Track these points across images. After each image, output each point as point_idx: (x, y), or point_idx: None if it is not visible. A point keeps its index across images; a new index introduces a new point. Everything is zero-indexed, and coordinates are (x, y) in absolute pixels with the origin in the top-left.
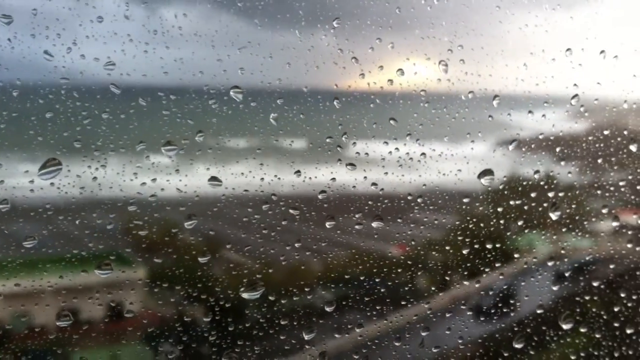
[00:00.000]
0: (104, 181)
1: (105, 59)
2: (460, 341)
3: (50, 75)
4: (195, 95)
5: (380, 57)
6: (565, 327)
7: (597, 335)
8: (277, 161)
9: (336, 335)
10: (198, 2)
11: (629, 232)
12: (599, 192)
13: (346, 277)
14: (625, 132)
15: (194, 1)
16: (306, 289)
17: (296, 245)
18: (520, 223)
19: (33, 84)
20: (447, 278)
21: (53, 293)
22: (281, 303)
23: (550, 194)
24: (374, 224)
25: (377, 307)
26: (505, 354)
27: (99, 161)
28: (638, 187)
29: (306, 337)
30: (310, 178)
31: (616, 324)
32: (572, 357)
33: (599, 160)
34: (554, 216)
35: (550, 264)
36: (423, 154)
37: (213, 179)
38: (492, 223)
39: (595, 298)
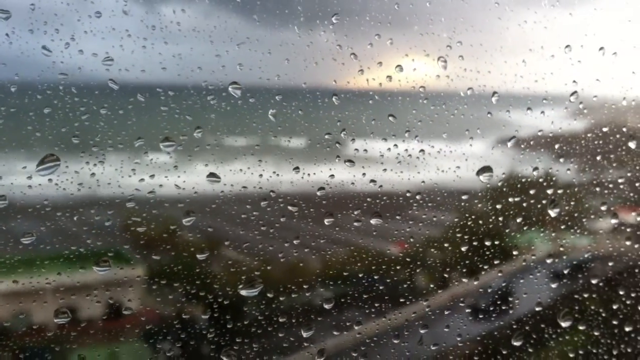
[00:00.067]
0: (102, 177)
1: (104, 54)
2: (459, 339)
3: (48, 70)
4: (194, 91)
5: (379, 54)
6: (564, 324)
7: (596, 333)
8: (275, 158)
9: (335, 333)
10: None
11: (628, 230)
12: (597, 189)
13: (345, 274)
14: (624, 129)
15: None
16: (305, 286)
17: (295, 242)
18: (519, 220)
19: (31, 79)
20: (445, 275)
21: (51, 290)
22: (280, 300)
23: (549, 191)
24: (373, 221)
25: (376, 305)
26: (504, 352)
27: (97, 157)
28: (637, 185)
29: (305, 335)
30: (308, 175)
31: (615, 322)
32: (571, 355)
33: (598, 158)
34: (552, 213)
35: (549, 261)
36: (422, 150)
37: (211, 175)
38: (490, 220)
39: (594, 295)
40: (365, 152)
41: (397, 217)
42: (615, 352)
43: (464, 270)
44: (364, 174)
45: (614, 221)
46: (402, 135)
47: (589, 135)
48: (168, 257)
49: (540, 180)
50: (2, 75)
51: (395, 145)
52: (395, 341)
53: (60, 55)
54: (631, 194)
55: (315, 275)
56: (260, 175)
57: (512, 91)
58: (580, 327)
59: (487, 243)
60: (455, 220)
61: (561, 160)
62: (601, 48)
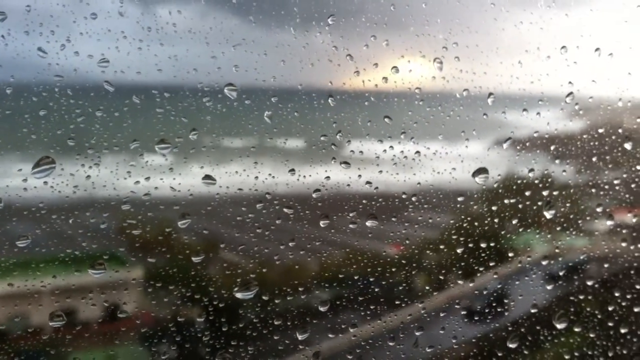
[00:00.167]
0: (98, 180)
1: (99, 56)
2: (454, 341)
3: (43, 72)
4: (190, 93)
5: (375, 55)
6: (559, 326)
7: (592, 335)
8: (271, 160)
9: (330, 336)
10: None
11: (624, 231)
12: (593, 190)
13: (340, 276)
14: (620, 130)
15: None
16: (300, 289)
17: (290, 244)
18: (514, 222)
19: (27, 81)
20: (441, 277)
21: (46, 293)
22: (275, 303)
23: (545, 193)
24: (368, 223)
25: (371, 307)
26: (500, 354)
27: (93, 159)
28: (633, 186)
29: (300, 338)
30: (304, 177)
31: (610, 323)
32: (566, 357)
33: (594, 159)
34: (548, 215)
35: (544, 263)
36: (417, 152)
37: (207, 177)
38: (486, 222)
39: (590, 297)
40: (361, 154)
41: (393, 218)
42: (610, 354)
43: (460, 272)
44: (359, 175)
45: (609, 222)
46: (397, 136)
47: (584, 136)
48: (163, 260)
49: (536, 181)
50: None
51: (391, 146)
52: (391, 343)
53: (55, 57)
54: (627, 195)
55: (311, 278)
56: (256, 177)
57: (508, 92)
58: (576, 329)
59: (483, 245)
60: (451, 222)
61: (557, 161)
62: (597, 49)
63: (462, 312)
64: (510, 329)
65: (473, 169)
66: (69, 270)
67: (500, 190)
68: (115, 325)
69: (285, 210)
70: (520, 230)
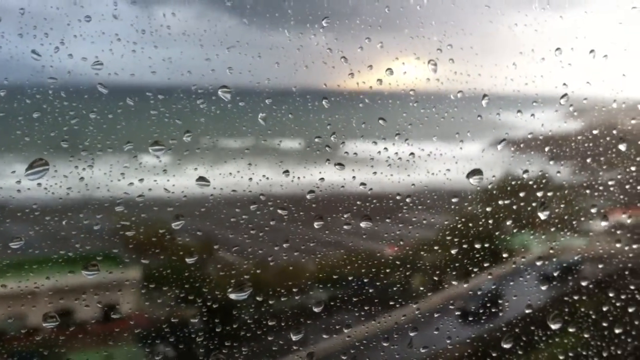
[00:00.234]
0: (92, 181)
1: (93, 58)
2: (448, 341)
3: (37, 74)
4: (184, 95)
5: (369, 57)
6: (553, 327)
7: (586, 335)
8: (265, 161)
9: (324, 336)
10: (187, 2)
11: (618, 232)
12: (588, 191)
13: (334, 277)
14: (615, 132)
15: (183, 1)
16: (294, 290)
17: (284, 245)
18: (509, 223)
19: (20, 83)
20: (435, 278)
21: (39, 294)
22: (269, 304)
23: (539, 194)
24: (363, 224)
25: (366, 308)
26: (494, 354)
27: (87, 161)
28: (627, 187)
29: (294, 338)
30: (298, 178)
31: (605, 324)
32: (561, 357)
33: (588, 160)
34: (542, 216)
35: (538, 263)
36: (412, 153)
37: (201, 179)
38: (480, 223)
39: (584, 298)
40: (355, 155)
41: (387, 220)
42: (605, 354)
43: (454, 273)
44: (354, 177)
45: (604, 223)
46: (392, 138)
47: (579, 137)
48: (157, 261)
49: (531, 182)
50: None
51: (386, 148)
52: (385, 344)
53: (49, 59)
54: (621, 196)
55: (305, 279)
56: (250, 179)
57: (502, 94)
58: (570, 330)
59: (477, 246)
60: (446, 223)
61: (551, 162)
62: (592, 51)
63: (457, 313)
64: (504, 329)
65: (467, 170)
66: (62, 272)
67: (494, 192)
68: (108, 326)
69: (279, 211)
70: (515, 231)
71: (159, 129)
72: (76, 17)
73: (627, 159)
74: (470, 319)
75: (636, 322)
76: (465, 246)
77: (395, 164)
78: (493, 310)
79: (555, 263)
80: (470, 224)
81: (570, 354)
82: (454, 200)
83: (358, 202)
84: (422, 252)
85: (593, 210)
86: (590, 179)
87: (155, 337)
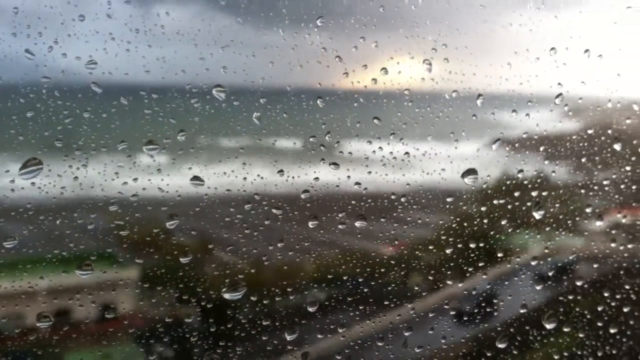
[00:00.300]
0: (86, 181)
1: (87, 57)
2: (443, 341)
3: (31, 74)
4: (178, 94)
5: (364, 56)
6: (548, 326)
7: (581, 335)
8: (260, 161)
9: (319, 336)
10: (181, 1)
11: (613, 231)
12: (583, 191)
13: (329, 277)
14: (610, 131)
15: (177, 0)
16: (289, 289)
17: (279, 245)
18: (504, 222)
19: (14, 82)
20: (430, 278)
21: (33, 294)
22: (263, 303)
23: (534, 193)
24: (357, 224)
25: (360, 307)
26: (489, 354)
27: (80, 161)
28: (622, 186)
29: (288, 338)
30: (293, 177)
31: (600, 324)
32: (556, 357)
33: (583, 160)
34: (537, 215)
35: (533, 263)
36: (407, 153)
37: (195, 178)
38: (475, 222)
39: (579, 297)
40: (350, 155)
41: (382, 219)
42: (600, 354)
43: (449, 272)
44: (348, 176)
45: (598, 223)
46: (387, 137)
47: (574, 137)
48: (151, 261)
49: (526, 182)
50: None
51: (380, 147)
52: (380, 344)
53: (43, 58)
54: (616, 196)
55: (299, 278)
56: (245, 178)
57: (497, 93)
58: (565, 329)
59: (472, 245)
60: (440, 222)
61: (546, 162)
62: (586, 50)
63: (452, 313)
64: (499, 329)
65: (462, 170)
66: (56, 271)
67: (489, 191)
68: (103, 326)
69: (274, 211)
70: (510, 230)
71: (153, 128)
72: (70, 16)
73: (622, 159)
74: (465, 318)
75: (631, 322)
76: (460, 246)
77: (390, 163)
78: (488, 310)
79: (549, 263)
80: (465, 224)
81: (565, 354)
82: (448, 199)
83: (353, 202)
84: (416, 252)
85: (588, 210)
86: (585, 178)
87: (149, 337)
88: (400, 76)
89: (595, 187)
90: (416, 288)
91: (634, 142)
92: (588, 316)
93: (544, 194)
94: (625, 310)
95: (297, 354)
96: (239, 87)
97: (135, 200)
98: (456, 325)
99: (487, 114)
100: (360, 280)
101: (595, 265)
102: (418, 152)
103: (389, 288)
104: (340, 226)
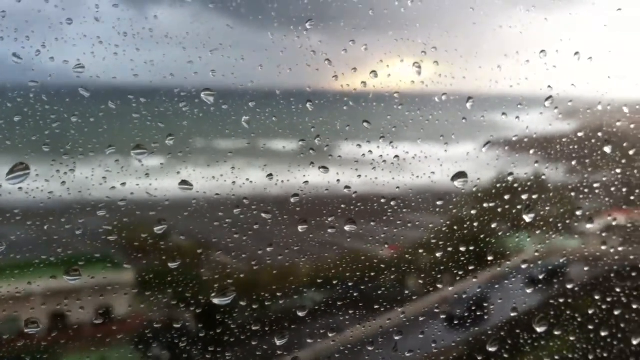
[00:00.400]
0: (73, 185)
1: (75, 61)
2: (433, 345)
3: (18, 78)
4: (166, 98)
5: (353, 59)
6: (539, 329)
7: (572, 338)
8: (249, 165)
9: (309, 341)
10: (169, 4)
11: (604, 234)
12: (573, 194)
13: (318, 281)
14: (600, 134)
15: (165, 3)
16: (278, 294)
17: (268, 249)
18: (494, 226)
19: (1, 86)
20: (420, 282)
21: (21, 299)
22: (253, 308)
23: (524, 196)
24: (347, 227)
25: (351, 312)
26: (479, 358)
27: (68, 165)
28: (612, 189)
29: (278, 343)
30: (282, 181)
31: (591, 327)
32: None
33: (574, 162)
34: (528, 218)
35: (524, 266)
36: (396, 156)
37: (184, 183)
38: (466, 226)
39: (570, 300)
40: (339, 158)
41: (372, 223)
42: (591, 357)
43: (439, 276)
44: (338, 180)
45: (589, 226)
46: (376, 141)
47: (564, 140)
48: (140, 266)
49: (516, 185)
50: None
51: (370, 151)
52: (370, 348)
53: (31, 62)
54: (606, 199)
55: (289, 283)
56: (234, 183)
57: (487, 96)
58: (556, 332)
59: (462, 249)
60: (430, 226)
61: (536, 165)
62: (576, 53)
63: (442, 317)
64: (490, 332)
65: (452, 173)
66: (44, 277)
67: (479, 194)
68: (91, 332)
69: (263, 215)
70: (500, 233)
71: (141, 132)
72: (58, 19)
73: (612, 161)
74: (456, 322)
75: (622, 325)
76: (450, 249)
77: (380, 166)
78: (478, 313)
79: (540, 266)
80: (456, 227)
81: (556, 357)
82: (438, 203)
83: (342, 206)
84: (406, 256)
85: (578, 213)
86: (576, 181)
87: (137, 342)
88: (390, 79)
89: (586, 190)
90: (406, 292)
91: (625, 144)
92: (579, 319)
93: (534, 196)
94: (616, 313)
95: (287, 359)
96: (227, 90)
97: (124, 205)
98: (447, 329)
99: (477, 116)
100: (350, 284)
101: (585, 268)
102: (408, 156)
103: (379, 292)
104: (330, 230)
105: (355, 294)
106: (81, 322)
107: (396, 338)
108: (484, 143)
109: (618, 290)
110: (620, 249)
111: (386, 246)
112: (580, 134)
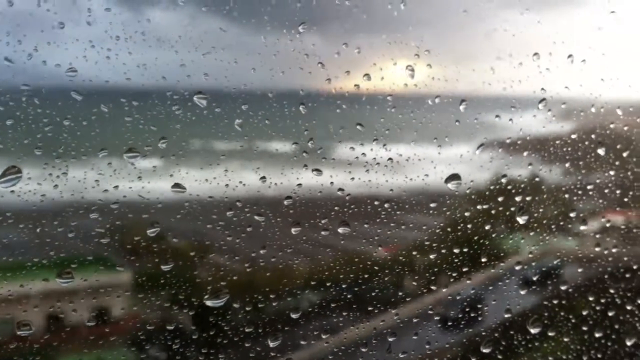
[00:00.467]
0: (66, 188)
1: (67, 65)
2: (427, 346)
3: (10, 81)
4: (159, 101)
5: (346, 62)
6: (533, 331)
7: (566, 339)
8: (242, 167)
9: (302, 342)
10: (161, 8)
11: (597, 236)
12: (566, 195)
13: (312, 283)
14: (593, 136)
15: (157, 6)
16: (271, 296)
17: (261, 252)
18: (487, 227)
19: None
20: (414, 283)
21: (13, 302)
22: (246, 310)
23: (518, 198)
24: (341, 230)
25: (344, 313)
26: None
27: (60, 168)
28: (606, 191)
29: (271, 345)
30: (275, 184)
31: (585, 328)
32: None
33: (567, 164)
34: (521, 220)
35: (517, 268)
36: (390, 159)
37: (177, 185)
38: (459, 228)
39: (564, 302)
40: (333, 161)
41: (365, 225)
42: (585, 358)
43: (433, 278)
44: (331, 182)
45: (583, 227)
46: (370, 143)
47: (557, 142)
48: (132, 268)
49: (509, 187)
50: None
51: (363, 153)
52: (363, 349)
53: (23, 66)
54: (600, 200)
55: (282, 285)
56: (227, 185)
57: (480, 99)
58: (551, 334)
59: (456, 250)
60: (424, 228)
61: (530, 167)
62: (570, 55)
63: (436, 318)
64: (483, 333)
65: (446, 175)
66: (36, 279)
67: (473, 196)
68: (83, 335)
69: (256, 217)
70: (493, 235)
71: (133, 135)
72: (50, 23)
73: (605, 163)
74: (450, 324)
75: (616, 326)
76: (444, 251)
77: (373, 169)
78: (472, 315)
79: (534, 267)
80: (449, 229)
81: (550, 358)
82: (432, 205)
83: (336, 208)
84: (400, 258)
85: (572, 215)
86: (569, 183)
87: (130, 344)
88: (383, 82)
89: (579, 192)
90: (400, 293)
91: (618, 146)
92: (573, 320)
93: (528, 198)
94: (610, 314)
95: None
96: (220, 93)
97: (116, 208)
98: (441, 331)
99: (470, 119)
100: (343, 286)
101: (579, 270)
102: (401, 158)
103: (373, 293)
104: (323, 232)
105: (349, 296)
106: (74, 324)
107: (390, 339)
108: (478, 145)
109: (612, 291)
110: (614, 250)
111: (380, 248)
112: (573, 136)
